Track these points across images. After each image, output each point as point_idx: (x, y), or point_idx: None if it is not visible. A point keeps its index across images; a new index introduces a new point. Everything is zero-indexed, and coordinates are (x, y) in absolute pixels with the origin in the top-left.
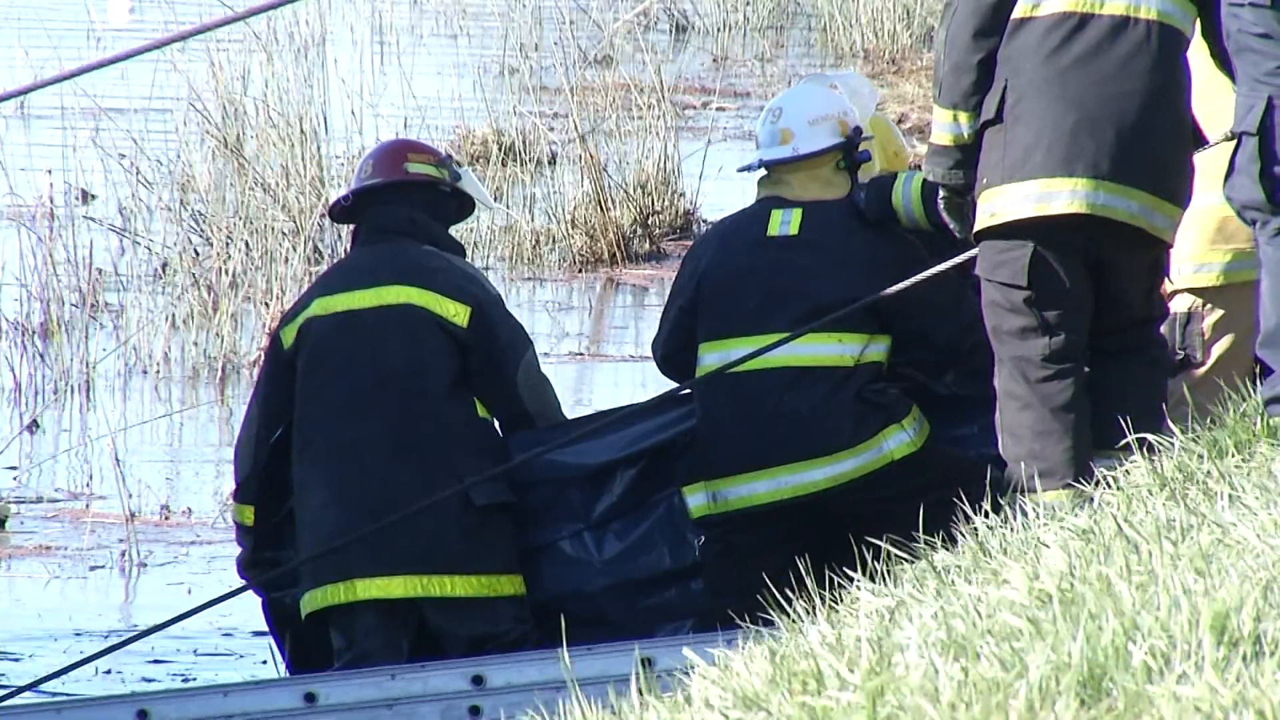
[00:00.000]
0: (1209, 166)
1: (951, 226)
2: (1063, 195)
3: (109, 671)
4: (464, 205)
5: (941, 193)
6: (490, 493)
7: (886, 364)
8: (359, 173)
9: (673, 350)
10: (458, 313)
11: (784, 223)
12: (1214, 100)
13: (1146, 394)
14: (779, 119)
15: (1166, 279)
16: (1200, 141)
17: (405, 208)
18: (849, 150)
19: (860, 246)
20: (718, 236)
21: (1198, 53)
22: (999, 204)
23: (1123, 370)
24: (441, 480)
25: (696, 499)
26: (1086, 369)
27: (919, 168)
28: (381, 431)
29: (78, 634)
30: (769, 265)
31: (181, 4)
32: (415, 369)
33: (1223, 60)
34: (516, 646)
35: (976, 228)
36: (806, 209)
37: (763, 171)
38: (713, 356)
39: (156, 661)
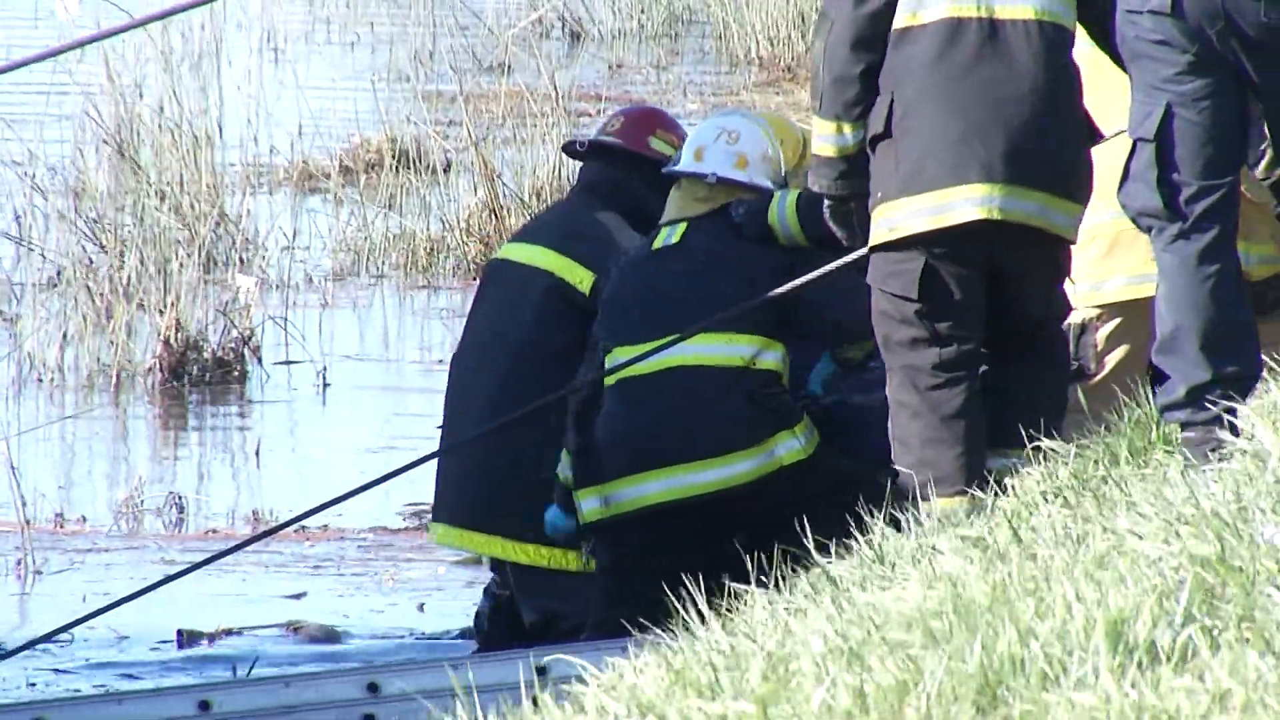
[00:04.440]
0: (1101, 182)
1: (839, 235)
2: (958, 204)
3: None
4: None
5: (827, 203)
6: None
7: (783, 374)
8: (608, 121)
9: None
10: (583, 279)
11: (668, 237)
12: (1101, 96)
13: (1047, 396)
14: (735, 143)
15: (1069, 279)
16: (1095, 136)
17: (623, 175)
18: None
19: (743, 248)
20: (616, 268)
21: (1085, 49)
22: (896, 218)
23: (1023, 372)
24: (530, 444)
25: (589, 504)
26: (986, 368)
27: None
28: (488, 384)
29: None
30: (652, 276)
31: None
32: (530, 330)
33: (1114, 52)
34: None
35: (873, 241)
36: (691, 221)
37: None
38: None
39: (57, 670)
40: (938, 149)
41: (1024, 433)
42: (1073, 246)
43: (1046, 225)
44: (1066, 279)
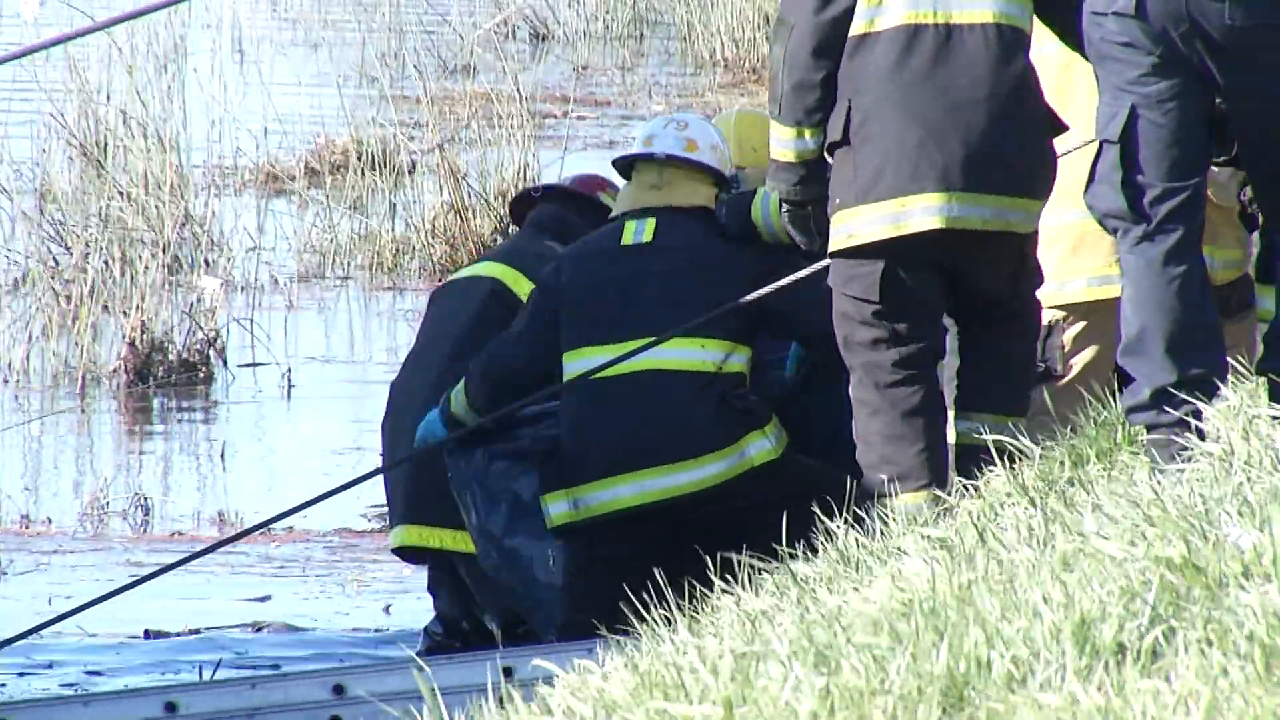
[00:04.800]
0: (1066, 183)
1: (797, 240)
2: (916, 212)
3: None
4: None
5: (785, 207)
6: None
7: (748, 376)
8: (559, 181)
9: (535, 371)
10: (526, 291)
11: (638, 231)
12: (1071, 99)
13: (1017, 360)
14: (685, 129)
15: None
16: (1059, 127)
17: (573, 214)
18: (726, 189)
19: (719, 253)
20: (572, 256)
21: (1056, 52)
22: (854, 225)
23: (992, 336)
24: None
25: (558, 507)
26: (959, 338)
27: None
28: (425, 380)
29: None
30: (625, 273)
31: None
32: (467, 329)
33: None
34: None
35: (832, 247)
36: (660, 217)
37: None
38: (574, 365)
39: (22, 672)
40: (895, 156)
41: (993, 395)
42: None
43: (1004, 227)
44: (1033, 261)
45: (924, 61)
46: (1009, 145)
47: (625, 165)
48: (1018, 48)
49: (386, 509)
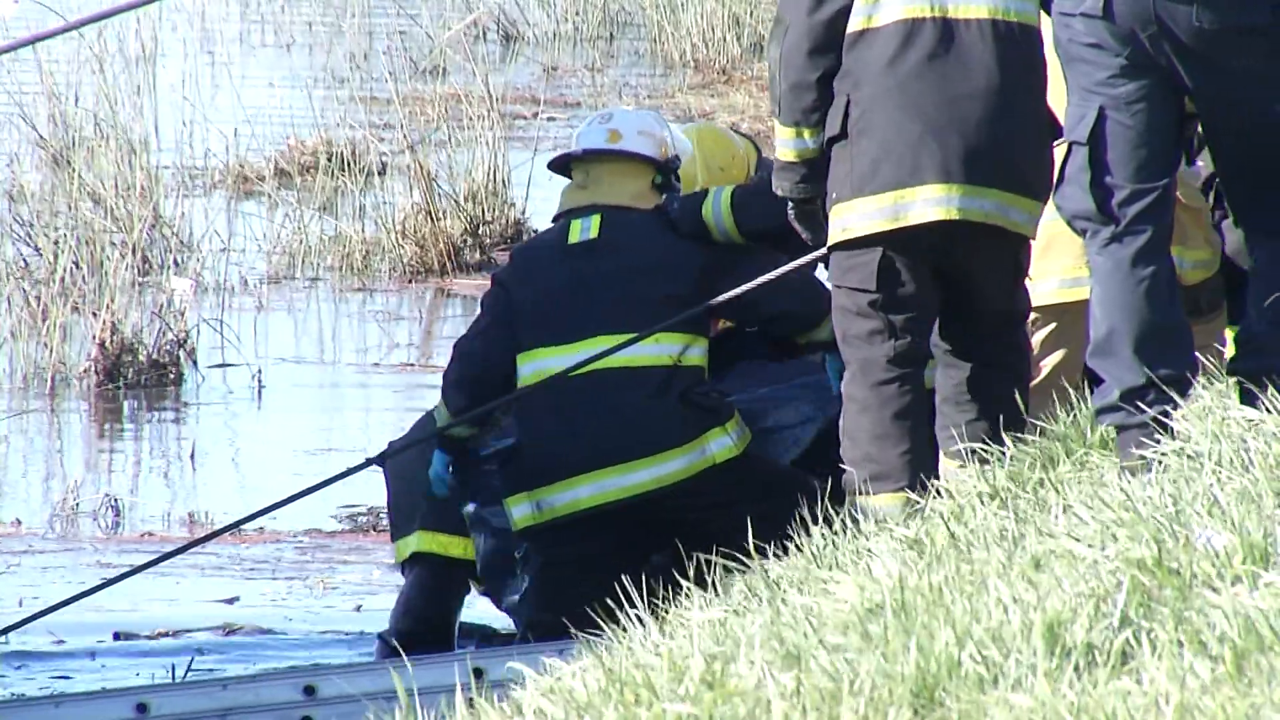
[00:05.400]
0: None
1: (805, 236)
2: (915, 205)
3: None
4: None
5: (791, 206)
6: None
7: (706, 369)
8: None
9: (502, 365)
10: None
11: (584, 230)
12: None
13: (1002, 402)
14: (608, 121)
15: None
16: (1056, 132)
17: None
18: (666, 173)
19: (667, 245)
20: (520, 258)
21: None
22: (850, 219)
23: (980, 375)
24: None
25: (520, 510)
26: (953, 370)
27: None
28: None
29: None
30: (574, 273)
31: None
32: None
33: None
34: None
35: (830, 242)
36: (605, 213)
37: (568, 186)
38: (528, 367)
39: None
40: (894, 150)
41: (968, 436)
42: (1032, 243)
43: (1005, 223)
44: (1025, 277)
45: (922, 56)
46: (1009, 141)
47: (563, 168)
48: (1021, 43)
49: (366, 507)
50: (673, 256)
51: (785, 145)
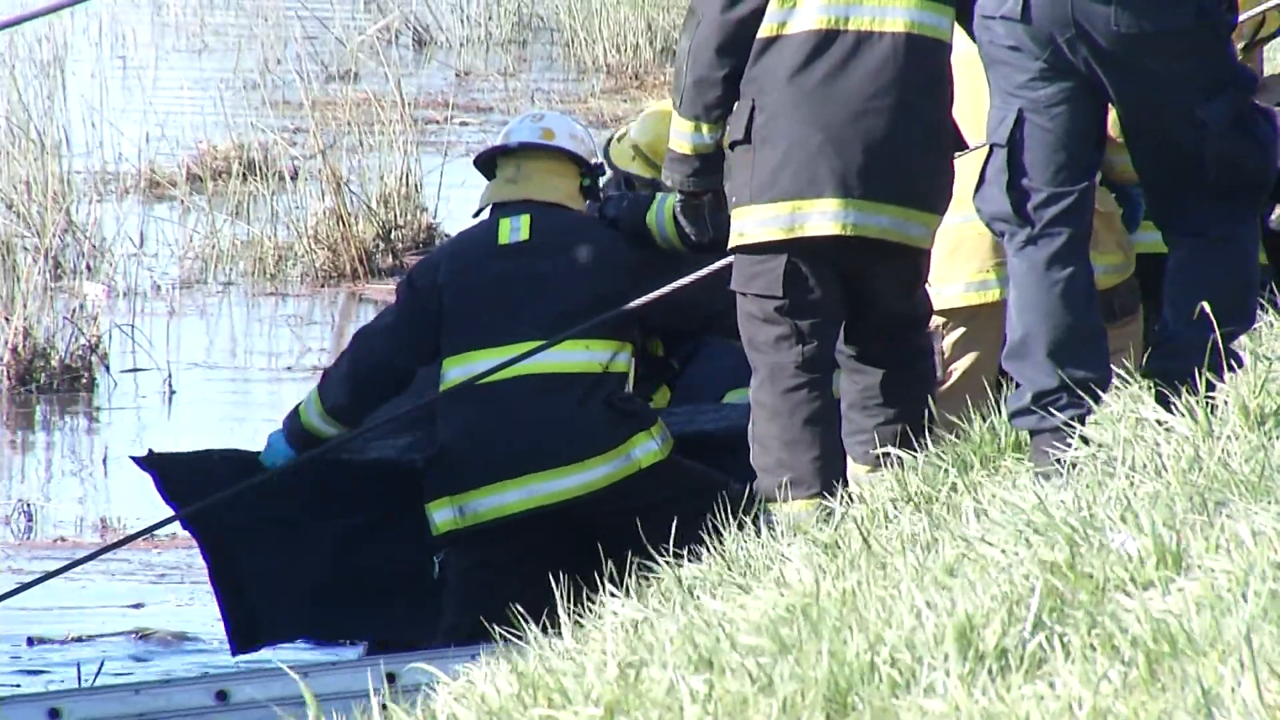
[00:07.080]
0: (954, 188)
1: (688, 230)
2: (812, 216)
3: None
4: None
5: (678, 198)
6: None
7: (631, 375)
8: None
9: (402, 366)
10: None
11: (514, 229)
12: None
13: (908, 406)
14: (541, 120)
15: (928, 282)
16: (960, 145)
17: None
18: (594, 177)
19: (597, 246)
20: (449, 254)
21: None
22: (747, 224)
23: (885, 379)
24: None
25: (442, 514)
26: (859, 375)
27: None
28: None
29: None
30: (504, 274)
31: None
32: None
33: None
34: None
35: (730, 244)
36: (535, 213)
37: (494, 183)
38: (456, 370)
39: None
40: (794, 160)
41: (876, 443)
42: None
43: (901, 238)
44: (925, 282)
45: (830, 67)
46: (910, 156)
47: (488, 164)
48: (931, 58)
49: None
50: (605, 259)
51: (682, 138)
